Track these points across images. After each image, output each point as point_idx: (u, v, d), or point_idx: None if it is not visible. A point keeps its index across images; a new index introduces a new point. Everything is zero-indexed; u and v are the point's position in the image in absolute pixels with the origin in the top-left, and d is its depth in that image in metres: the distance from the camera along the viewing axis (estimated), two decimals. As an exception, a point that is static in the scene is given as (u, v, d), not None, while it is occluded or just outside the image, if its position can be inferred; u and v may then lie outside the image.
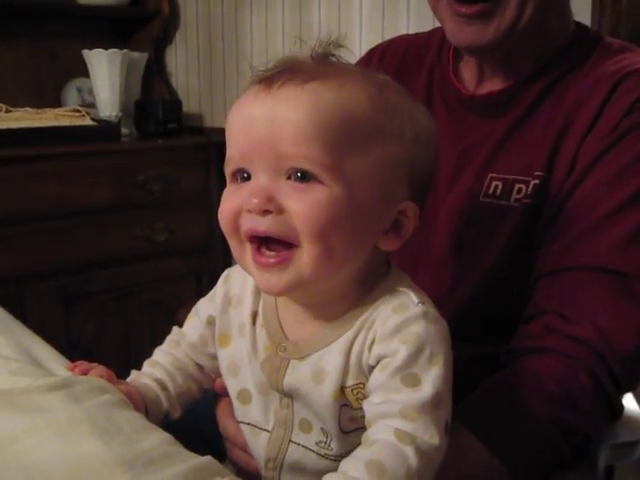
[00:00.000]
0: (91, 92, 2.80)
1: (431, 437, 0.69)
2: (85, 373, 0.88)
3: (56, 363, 0.95)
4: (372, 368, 0.74)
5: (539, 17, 1.00)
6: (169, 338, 0.97)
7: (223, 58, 2.78)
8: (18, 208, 2.28)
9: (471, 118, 1.10)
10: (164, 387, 0.92)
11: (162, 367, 0.94)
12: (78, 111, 2.55)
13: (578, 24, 1.11)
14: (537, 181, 1.00)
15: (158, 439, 0.71)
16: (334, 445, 0.78)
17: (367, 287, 0.78)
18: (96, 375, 0.87)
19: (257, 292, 0.86)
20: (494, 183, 1.04)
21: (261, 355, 0.82)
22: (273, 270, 0.73)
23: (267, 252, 0.73)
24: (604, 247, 0.92)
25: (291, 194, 0.70)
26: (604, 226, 0.93)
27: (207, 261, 2.75)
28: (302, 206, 0.70)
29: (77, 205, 2.41)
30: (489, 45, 1.01)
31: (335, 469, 0.71)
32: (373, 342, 0.74)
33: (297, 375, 0.78)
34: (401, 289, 0.77)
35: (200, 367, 0.95)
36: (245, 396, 0.85)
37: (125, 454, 0.67)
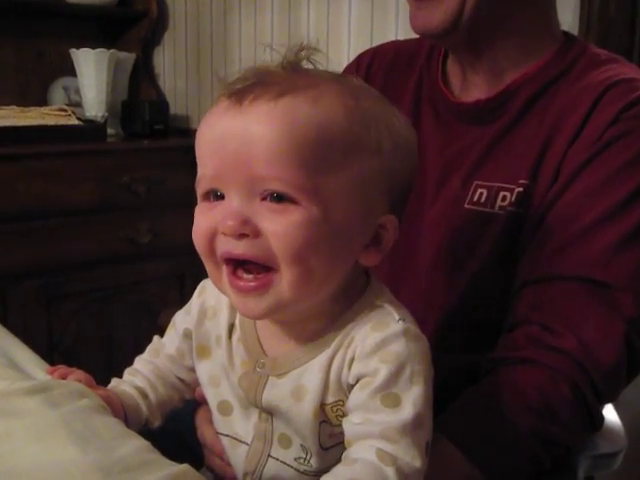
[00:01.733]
0: (78, 91, 2.80)
1: (412, 459, 0.68)
2: (64, 377, 0.87)
3: (34, 366, 0.94)
4: (351, 386, 0.72)
5: (496, 10, 1.01)
6: (150, 347, 0.96)
7: (211, 60, 2.78)
8: (1, 207, 2.26)
9: (459, 125, 1.10)
10: (144, 395, 0.90)
11: (143, 375, 0.92)
12: (64, 110, 2.54)
13: (566, 34, 1.11)
14: (521, 189, 1.00)
15: (135, 446, 0.70)
16: (313, 462, 0.77)
17: (346, 302, 0.77)
18: (75, 379, 0.86)
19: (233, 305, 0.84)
20: (479, 190, 1.04)
21: (238, 370, 0.81)
22: (251, 295, 0.71)
23: (245, 275, 0.71)
24: (588, 257, 0.92)
25: (267, 216, 0.68)
26: (588, 236, 0.92)
27: (191, 263, 2.70)
28: (279, 228, 0.67)
29: (61, 205, 2.39)
30: (439, 30, 1.01)
31: None
32: (352, 360, 0.73)
33: (276, 392, 0.77)
34: (381, 304, 0.76)
35: (180, 378, 0.94)
36: (226, 408, 0.84)
37: (102, 461, 0.66)
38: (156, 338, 0.96)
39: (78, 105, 2.76)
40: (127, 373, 0.94)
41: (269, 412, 0.79)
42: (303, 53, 0.74)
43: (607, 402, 0.95)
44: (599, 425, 0.94)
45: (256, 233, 0.68)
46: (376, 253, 0.76)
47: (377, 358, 0.71)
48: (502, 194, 1.02)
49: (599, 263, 0.91)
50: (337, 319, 0.76)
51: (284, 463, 0.79)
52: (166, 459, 0.70)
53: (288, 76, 0.71)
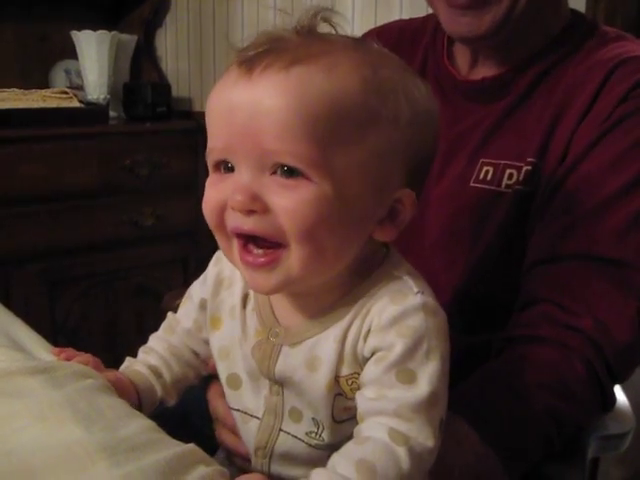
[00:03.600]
0: (79, 74, 2.78)
1: (425, 439, 0.67)
2: (70, 359, 0.86)
3: (37, 347, 0.93)
4: (367, 359, 0.71)
5: (534, 5, 1.00)
6: (164, 324, 0.94)
7: (213, 42, 2.76)
8: (3, 190, 2.25)
9: (465, 103, 1.10)
10: (159, 374, 0.89)
11: (157, 354, 0.90)
12: (66, 93, 2.52)
13: (574, 12, 1.11)
14: (529, 167, 1.00)
15: (141, 426, 0.70)
16: (325, 435, 0.75)
17: (364, 273, 0.75)
18: (82, 363, 0.85)
19: None
20: (485, 168, 1.04)
21: (252, 341, 0.79)
22: (260, 270, 0.69)
23: (255, 250, 0.69)
24: (601, 235, 0.91)
25: (277, 191, 0.66)
26: (600, 214, 0.92)
27: (194, 246, 2.73)
28: (289, 204, 0.65)
29: (63, 188, 2.38)
30: (485, 35, 1.00)
31: (326, 460, 0.69)
32: (369, 332, 0.71)
33: (289, 362, 0.76)
34: (399, 275, 0.74)
35: (196, 354, 0.92)
36: (235, 381, 0.83)
37: (107, 440, 0.66)
38: (170, 314, 0.94)
39: (80, 88, 2.74)
40: (141, 352, 0.92)
41: (281, 384, 0.77)
42: (319, 16, 0.71)
43: (620, 381, 0.96)
44: (611, 405, 0.93)
45: (265, 209, 0.66)
46: (391, 228, 0.73)
47: (394, 332, 0.69)
48: (508, 172, 1.01)
49: (612, 241, 0.91)
50: (354, 289, 0.74)
51: (295, 437, 0.77)
52: (172, 439, 0.69)
53: (302, 42, 0.68)
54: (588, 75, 1.00)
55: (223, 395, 0.88)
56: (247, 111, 0.65)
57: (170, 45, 2.98)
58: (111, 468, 0.62)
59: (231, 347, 0.82)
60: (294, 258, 0.67)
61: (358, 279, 0.74)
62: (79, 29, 2.66)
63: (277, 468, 0.80)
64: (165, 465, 0.64)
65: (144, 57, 2.95)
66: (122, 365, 0.91)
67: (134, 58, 2.91)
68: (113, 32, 2.69)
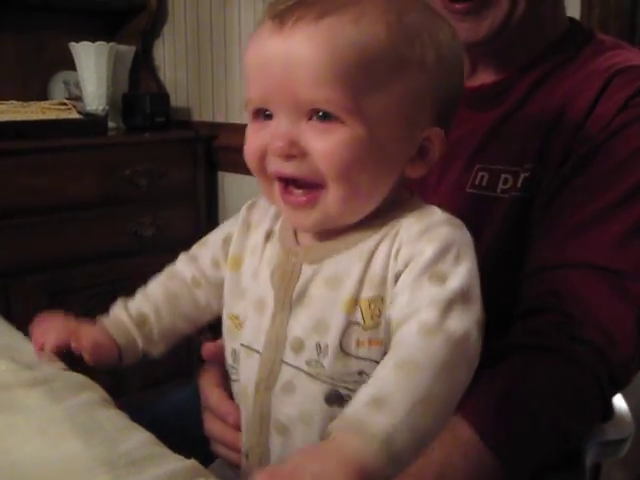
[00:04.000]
0: (78, 85, 2.78)
1: (461, 328, 0.67)
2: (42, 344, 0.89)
3: (36, 359, 0.94)
4: (400, 273, 0.72)
5: (532, 11, 1.00)
6: (169, 267, 0.97)
7: (211, 52, 2.77)
8: (3, 201, 2.26)
9: (462, 110, 1.09)
10: (143, 323, 0.91)
11: (150, 300, 0.93)
12: (64, 104, 2.53)
13: (571, 19, 1.11)
14: (527, 174, 0.99)
15: (140, 439, 0.70)
16: (326, 362, 0.74)
17: (391, 209, 0.78)
18: (56, 336, 0.90)
19: (277, 216, 0.86)
20: (480, 174, 1.04)
21: (271, 265, 0.81)
22: (301, 209, 0.75)
23: (295, 191, 0.74)
24: (599, 245, 0.91)
25: (314, 136, 0.71)
26: (598, 223, 0.92)
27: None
28: (325, 147, 0.70)
29: (63, 199, 2.39)
30: (483, 41, 1.01)
31: (331, 397, 0.73)
32: (399, 250, 0.73)
33: (309, 280, 0.77)
34: (424, 205, 0.78)
35: (195, 303, 0.93)
36: (241, 317, 0.84)
37: (106, 454, 0.66)
38: (183, 255, 0.97)
39: (78, 99, 2.74)
40: (139, 294, 0.95)
41: (289, 309, 0.78)
42: None
43: (620, 390, 0.95)
44: (609, 416, 0.93)
45: (303, 153, 0.71)
46: (421, 165, 0.78)
47: (424, 240, 0.72)
48: (504, 177, 1.01)
49: (610, 251, 0.91)
50: (379, 216, 0.77)
51: (296, 368, 0.77)
52: (171, 452, 0.70)
53: None
54: (586, 83, 0.99)
55: (217, 384, 0.89)
56: (282, 62, 0.70)
57: (168, 55, 2.99)
58: (111, 482, 0.63)
59: (245, 286, 0.84)
60: (332, 197, 0.73)
61: (385, 212, 0.77)
62: (77, 40, 2.66)
63: (277, 404, 0.79)
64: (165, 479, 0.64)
65: (142, 68, 2.96)
66: (110, 310, 0.94)
67: (132, 69, 2.91)
68: (111, 43, 2.69)
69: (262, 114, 0.75)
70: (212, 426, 0.91)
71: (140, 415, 0.89)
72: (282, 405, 0.78)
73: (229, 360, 0.87)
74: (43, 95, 2.81)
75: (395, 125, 0.73)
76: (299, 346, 0.77)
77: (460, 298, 0.69)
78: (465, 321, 0.68)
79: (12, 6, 2.71)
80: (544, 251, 0.95)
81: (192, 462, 0.68)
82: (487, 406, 0.84)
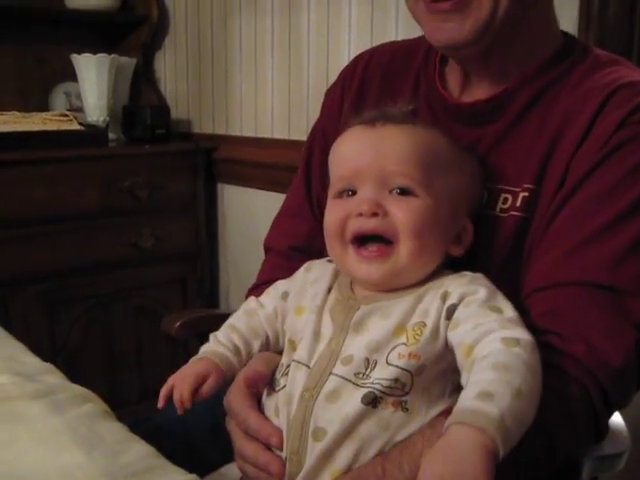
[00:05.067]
0: (79, 97, 2.79)
1: (530, 339, 0.80)
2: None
3: (39, 369, 0.94)
4: (455, 306, 0.86)
5: (516, 13, 0.98)
6: (245, 307, 1.06)
7: (212, 64, 2.78)
8: (3, 212, 2.27)
9: (457, 126, 1.09)
10: (238, 353, 1.00)
11: (241, 337, 1.01)
12: (65, 115, 2.54)
13: (566, 34, 1.10)
14: (526, 194, 0.99)
15: (141, 451, 0.71)
16: (372, 373, 0.85)
17: (432, 275, 0.93)
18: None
19: (335, 274, 0.99)
20: None
21: (330, 307, 0.93)
22: (374, 262, 0.90)
23: (370, 247, 0.90)
24: (596, 262, 0.91)
25: (394, 203, 0.89)
26: (596, 241, 0.92)
27: (193, 267, 2.75)
28: (404, 212, 0.89)
29: (63, 210, 2.40)
30: (467, 41, 0.99)
31: (367, 398, 0.82)
32: (447, 292, 0.87)
33: (365, 314, 0.89)
34: (455, 271, 0.93)
35: (268, 337, 1.03)
36: (302, 342, 0.93)
37: (107, 466, 0.67)
38: (253, 298, 1.07)
39: (79, 110, 2.75)
40: (226, 326, 1.03)
41: (346, 332, 0.89)
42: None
43: (617, 408, 0.95)
44: (603, 435, 0.92)
45: (385, 213, 0.89)
46: (458, 247, 0.96)
47: (473, 284, 0.87)
48: (503, 196, 1.01)
49: (608, 268, 0.90)
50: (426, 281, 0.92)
51: (344, 378, 0.86)
52: (171, 464, 0.70)
53: (404, 116, 0.97)
54: (584, 100, 0.99)
55: (252, 406, 0.94)
56: (373, 147, 0.92)
57: (169, 67, 3.00)
58: (112, 494, 0.63)
59: (306, 321, 0.94)
60: (403, 250, 0.89)
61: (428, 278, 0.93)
62: (79, 52, 2.67)
63: (318, 410, 0.86)
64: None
65: (143, 80, 2.97)
66: (206, 346, 1.00)
67: (133, 81, 2.92)
68: (112, 55, 2.70)
69: (346, 193, 0.93)
70: (246, 448, 0.92)
71: (140, 426, 0.90)
72: (323, 411, 0.86)
73: (276, 374, 0.96)
74: (44, 106, 2.82)
75: (449, 204, 0.93)
76: (349, 360, 0.87)
77: (518, 321, 0.83)
78: (528, 333, 0.81)
79: (14, 18, 2.72)
80: (541, 272, 0.95)
81: (193, 477, 0.69)
82: None
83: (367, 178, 0.91)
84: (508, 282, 0.98)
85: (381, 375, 0.84)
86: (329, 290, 0.96)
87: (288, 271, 1.05)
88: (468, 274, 0.90)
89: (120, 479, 0.65)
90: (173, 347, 2.65)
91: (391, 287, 0.91)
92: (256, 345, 1.01)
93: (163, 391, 0.92)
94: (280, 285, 1.05)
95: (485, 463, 0.67)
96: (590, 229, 0.92)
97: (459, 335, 0.83)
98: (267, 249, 1.29)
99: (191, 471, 0.72)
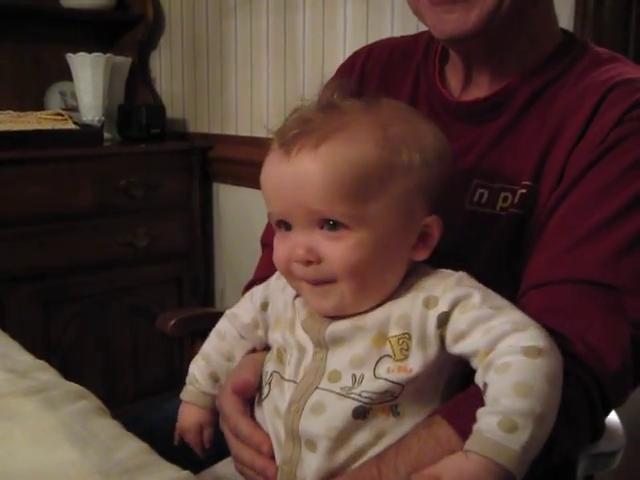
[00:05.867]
0: (74, 96, 2.79)
1: (544, 339, 0.78)
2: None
3: (33, 367, 0.94)
4: (447, 314, 0.82)
5: (520, 7, 0.98)
6: (216, 332, 1.07)
7: (207, 64, 2.78)
8: (-2, 211, 2.26)
9: (457, 125, 1.08)
10: (217, 380, 1.03)
11: (214, 363, 1.04)
12: (61, 115, 2.53)
13: (565, 32, 1.10)
14: (524, 190, 0.99)
15: (134, 448, 0.71)
16: (359, 387, 0.84)
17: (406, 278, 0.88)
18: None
19: None
20: (479, 191, 1.03)
21: (302, 315, 0.91)
22: (323, 296, 0.86)
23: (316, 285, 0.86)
24: (593, 260, 0.90)
25: (326, 243, 0.84)
26: (594, 238, 0.91)
27: (188, 267, 2.74)
28: (336, 252, 0.83)
29: (58, 209, 2.39)
30: (473, 32, 0.98)
31: (358, 409, 0.82)
32: (430, 299, 0.84)
33: (338, 328, 0.87)
34: (434, 271, 0.88)
35: (245, 349, 1.04)
36: (290, 357, 0.92)
37: (101, 463, 0.67)
38: (228, 313, 1.07)
39: (75, 110, 2.75)
40: (201, 357, 1.05)
41: (327, 348, 0.88)
42: (336, 94, 0.90)
43: (614, 407, 0.94)
44: (600, 434, 0.92)
45: (319, 259, 0.84)
46: (424, 249, 0.88)
47: (464, 286, 0.83)
48: (503, 195, 1.01)
49: (605, 266, 0.90)
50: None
51: (330, 391, 0.85)
52: (165, 461, 0.70)
53: (324, 119, 0.85)
54: (582, 97, 0.99)
55: (243, 412, 0.95)
56: (292, 185, 0.84)
57: (164, 67, 3.00)
58: (105, 490, 0.63)
59: (288, 334, 0.93)
60: (345, 289, 0.85)
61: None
62: (74, 52, 2.67)
63: (304, 423, 0.85)
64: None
65: (138, 79, 2.97)
66: (189, 383, 1.04)
67: (128, 80, 2.92)
68: (108, 54, 2.70)
69: (283, 225, 0.87)
70: (242, 452, 0.94)
71: (134, 425, 0.90)
72: (308, 424, 0.85)
73: (263, 379, 0.96)
74: (39, 105, 2.82)
75: (394, 223, 0.85)
76: (336, 377, 0.86)
77: (526, 318, 0.80)
78: (542, 333, 0.79)
79: (9, 17, 2.72)
80: (539, 268, 0.95)
81: (187, 473, 0.69)
82: (470, 408, 0.82)
83: (294, 217, 0.86)
84: (506, 280, 0.98)
85: (370, 388, 0.83)
86: (295, 297, 0.95)
87: None
88: (451, 274, 0.86)
89: (114, 476, 0.64)
90: (168, 346, 2.65)
91: (349, 314, 0.88)
92: (232, 365, 1.03)
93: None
94: (257, 295, 1.04)
95: None
96: (588, 226, 0.92)
97: (471, 345, 0.81)
98: (264, 245, 1.29)
99: (185, 470, 0.72)
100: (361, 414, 0.83)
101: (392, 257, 0.86)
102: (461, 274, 0.86)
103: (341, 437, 0.83)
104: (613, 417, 1.16)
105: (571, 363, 0.86)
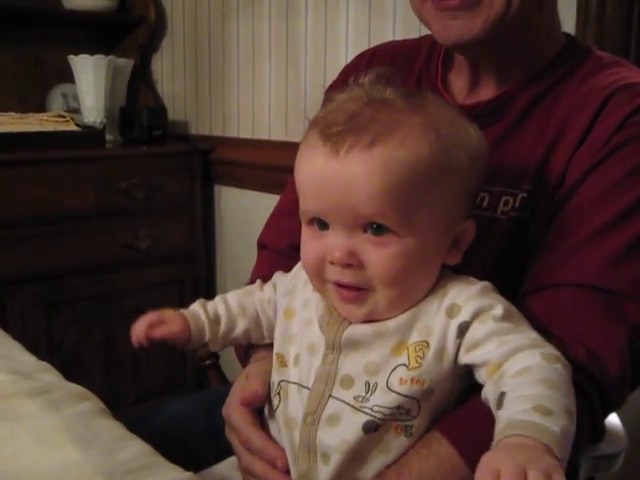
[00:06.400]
0: (76, 98, 2.79)
1: (561, 355, 0.76)
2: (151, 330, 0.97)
3: (36, 368, 0.94)
4: (467, 324, 0.80)
5: (526, 13, 0.98)
6: (248, 287, 1.05)
7: (209, 65, 2.78)
8: (0, 213, 2.26)
9: None
10: (217, 322, 1.00)
11: (227, 307, 1.01)
12: (62, 116, 2.54)
13: (568, 36, 1.10)
14: (525, 194, 0.99)
15: (137, 449, 0.71)
16: (373, 398, 0.81)
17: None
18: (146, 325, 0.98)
19: None
20: (480, 195, 1.03)
21: (320, 313, 0.88)
22: (354, 303, 0.82)
23: (347, 290, 0.82)
24: (593, 264, 0.90)
25: (369, 248, 0.80)
26: (594, 242, 0.91)
27: (190, 269, 2.75)
28: (380, 259, 0.79)
29: (60, 211, 2.39)
30: (478, 38, 0.98)
31: (368, 423, 0.79)
32: (453, 305, 0.81)
33: (358, 329, 0.84)
34: (457, 274, 0.86)
35: (257, 322, 1.02)
36: (296, 359, 0.90)
37: (104, 463, 0.67)
38: (259, 281, 1.05)
39: (76, 111, 2.75)
40: (218, 297, 1.04)
41: (339, 351, 0.85)
42: (379, 85, 0.85)
43: (613, 411, 0.94)
44: (601, 438, 0.92)
45: (360, 264, 0.80)
46: (457, 253, 0.87)
47: (488, 297, 0.81)
48: (504, 199, 1.00)
49: (605, 270, 0.90)
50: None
51: (343, 402, 0.83)
52: (168, 462, 0.70)
53: (374, 116, 0.80)
54: (584, 102, 0.99)
55: (254, 423, 0.93)
56: (339, 185, 0.79)
57: (166, 69, 3.00)
58: (108, 491, 0.63)
59: (295, 333, 0.92)
60: (381, 297, 0.81)
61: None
62: (76, 53, 2.68)
63: (321, 435, 0.84)
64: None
65: (140, 81, 2.97)
66: (193, 304, 1.02)
67: (130, 82, 2.92)
68: (110, 56, 2.70)
69: (316, 222, 0.83)
70: (254, 465, 0.92)
71: (136, 426, 0.90)
72: (325, 436, 0.83)
73: (271, 390, 0.93)
74: (41, 107, 2.82)
75: (439, 230, 0.83)
76: (349, 384, 0.83)
77: (544, 340, 0.79)
78: (561, 355, 0.77)
79: (12, 19, 2.72)
80: (540, 271, 0.95)
81: (190, 474, 0.69)
82: (468, 423, 0.84)
83: (336, 218, 0.81)
84: (507, 282, 0.98)
85: (382, 402, 0.81)
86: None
87: (287, 269, 1.03)
88: (475, 282, 0.84)
89: (117, 477, 0.65)
90: (170, 350, 2.65)
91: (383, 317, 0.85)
92: (241, 324, 1.01)
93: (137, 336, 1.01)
94: (279, 282, 1.01)
95: (557, 466, 0.62)
96: (589, 230, 0.92)
97: (483, 355, 0.79)
98: (261, 246, 1.28)
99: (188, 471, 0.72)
100: (372, 429, 0.80)
101: (431, 264, 0.84)
102: (485, 284, 0.83)
103: (352, 452, 0.81)
104: (614, 420, 1.16)
105: (575, 371, 0.86)
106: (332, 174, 0.79)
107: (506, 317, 0.79)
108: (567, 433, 0.68)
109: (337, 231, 0.81)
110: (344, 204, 0.79)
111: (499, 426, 0.69)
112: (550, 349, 0.76)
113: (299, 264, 0.97)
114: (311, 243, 0.85)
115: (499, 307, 0.80)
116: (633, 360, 0.89)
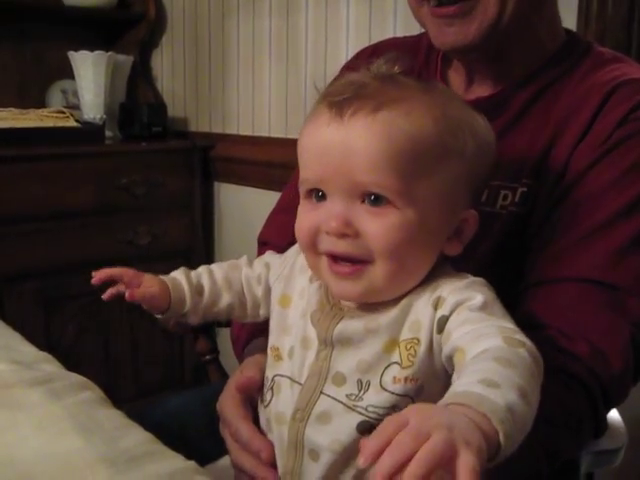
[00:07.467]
0: (76, 94, 2.80)
1: (530, 343, 0.70)
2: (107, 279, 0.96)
3: (37, 358, 0.94)
4: (446, 318, 0.76)
5: (522, 16, 0.99)
6: (234, 261, 1.01)
7: (209, 62, 2.78)
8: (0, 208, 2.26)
9: None
10: (200, 294, 0.96)
11: (212, 278, 0.98)
12: (62, 112, 2.54)
13: (569, 32, 1.10)
14: (525, 189, 0.99)
15: (139, 437, 0.71)
16: (366, 397, 0.79)
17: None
18: (117, 276, 0.98)
19: None
20: None
21: (313, 307, 0.86)
22: (348, 278, 0.79)
23: (343, 262, 0.79)
24: (596, 259, 0.91)
25: (367, 218, 0.77)
26: (595, 238, 0.92)
27: (190, 265, 2.72)
28: (378, 229, 0.76)
29: (60, 207, 2.39)
30: (473, 44, 0.99)
31: (362, 423, 0.77)
32: (439, 299, 0.78)
33: (350, 325, 0.82)
34: (454, 271, 0.83)
35: (241, 300, 0.98)
36: (290, 352, 0.88)
37: (106, 451, 0.67)
38: (246, 257, 1.02)
39: (76, 107, 2.76)
40: (203, 267, 1.00)
41: (332, 347, 0.82)
42: (395, 67, 0.84)
43: (615, 406, 0.95)
44: (602, 433, 0.92)
45: (356, 234, 0.77)
46: (458, 243, 0.84)
47: (470, 290, 0.77)
48: (503, 193, 1.01)
49: (607, 265, 0.90)
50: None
51: (335, 399, 0.81)
52: (170, 450, 0.70)
53: (381, 87, 0.79)
54: (585, 97, 0.99)
55: (244, 416, 0.92)
56: (340, 149, 0.77)
57: (166, 65, 3.00)
58: (112, 478, 0.63)
59: (291, 323, 0.89)
60: (379, 271, 0.78)
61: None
62: (76, 49, 2.68)
63: (310, 432, 0.82)
64: (167, 477, 0.65)
65: (140, 77, 2.97)
66: (175, 271, 1.00)
67: (130, 78, 2.92)
68: (109, 53, 2.71)
69: (314, 194, 0.81)
70: (242, 459, 0.92)
71: (136, 421, 0.90)
72: (315, 433, 0.81)
73: (265, 385, 0.91)
74: (41, 103, 2.82)
75: (439, 208, 0.79)
76: (341, 381, 0.81)
77: (517, 330, 0.73)
78: (531, 344, 0.71)
79: (11, 15, 2.72)
80: (541, 265, 0.95)
81: (192, 463, 0.69)
82: None
83: (335, 185, 0.78)
84: (506, 277, 0.98)
85: (377, 402, 0.78)
86: (311, 279, 0.89)
87: None
88: (467, 277, 0.81)
89: (120, 464, 0.65)
90: (169, 346, 2.65)
91: (372, 301, 0.82)
92: (225, 298, 0.97)
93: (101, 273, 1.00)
94: (272, 263, 0.98)
95: (482, 445, 0.55)
96: (590, 225, 0.93)
97: (452, 343, 0.74)
98: (262, 243, 1.28)
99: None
100: (366, 429, 0.78)
101: (430, 245, 0.81)
102: (476, 279, 0.80)
103: (345, 452, 0.79)
104: (615, 415, 1.16)
105: (574, 365, 0.87)
106: (334, 137, 0.77)
107: (482, 307, 0.75)
108: (515, 411, 0.60)
109: (334, 200, 0.78)
110: (343, 170, 0.76)
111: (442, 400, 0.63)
112: (519, 336, 0.71)
113: (293, 247, 0.95)
114: (306, 214, 0.82)
115: (478, 297, 0.76)
116: (635, 355, 0.90)
